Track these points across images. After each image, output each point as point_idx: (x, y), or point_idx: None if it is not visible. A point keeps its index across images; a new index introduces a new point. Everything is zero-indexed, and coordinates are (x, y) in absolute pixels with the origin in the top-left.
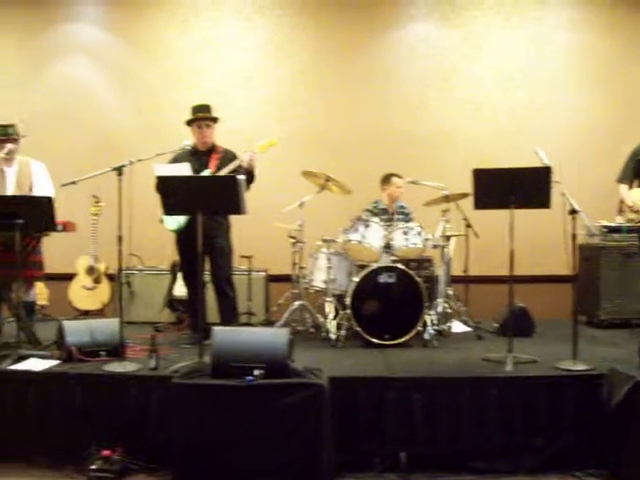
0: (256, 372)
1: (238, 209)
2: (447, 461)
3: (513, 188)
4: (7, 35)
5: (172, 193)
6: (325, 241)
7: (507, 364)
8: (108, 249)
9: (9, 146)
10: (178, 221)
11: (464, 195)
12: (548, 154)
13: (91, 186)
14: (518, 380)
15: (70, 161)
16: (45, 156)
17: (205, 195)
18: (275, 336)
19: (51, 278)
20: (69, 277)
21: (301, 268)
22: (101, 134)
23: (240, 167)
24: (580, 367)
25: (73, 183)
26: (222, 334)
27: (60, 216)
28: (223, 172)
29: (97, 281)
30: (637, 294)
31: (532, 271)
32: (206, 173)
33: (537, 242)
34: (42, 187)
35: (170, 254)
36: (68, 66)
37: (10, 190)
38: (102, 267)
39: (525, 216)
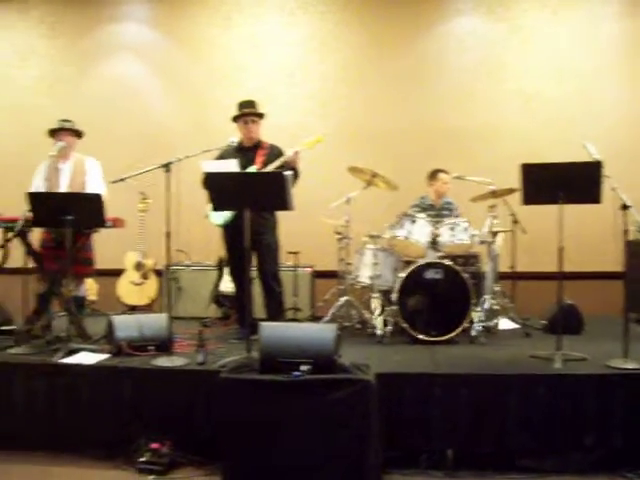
0: (303, 367)
1: (285, 205)
2: (494, 459)
3: (562, 183)
4: (57, 36)
5: (220, 189)
6: (371, 237)
7: (556, 361)
8: (155, 245)
9: (60, 143)
10: (224, 216)
11: (511, 190)
12: (597, 147)
13: (138, 183)
14: (567, 378)
15: (118, 159)
16: (93, 153)
17: (252, 191)
18: (322, 332)
19: (100, 274)
20: (118, 273)
21: (347, 264)
22: (148, 132)
23: (286, 163)
24: (631, 365)
25: (122, 180)
26: (270, 329)
27: (109, 212)
28: (269, 169)
29: (145, 277)
30: None
31: (581, 267)
32: (252, 169)
33: (586, 238)
34: (95, 185)
35: (216, 250)
36: (115, 65)
37: (63, 187)
38: (150, 263)
39: (574, 211)
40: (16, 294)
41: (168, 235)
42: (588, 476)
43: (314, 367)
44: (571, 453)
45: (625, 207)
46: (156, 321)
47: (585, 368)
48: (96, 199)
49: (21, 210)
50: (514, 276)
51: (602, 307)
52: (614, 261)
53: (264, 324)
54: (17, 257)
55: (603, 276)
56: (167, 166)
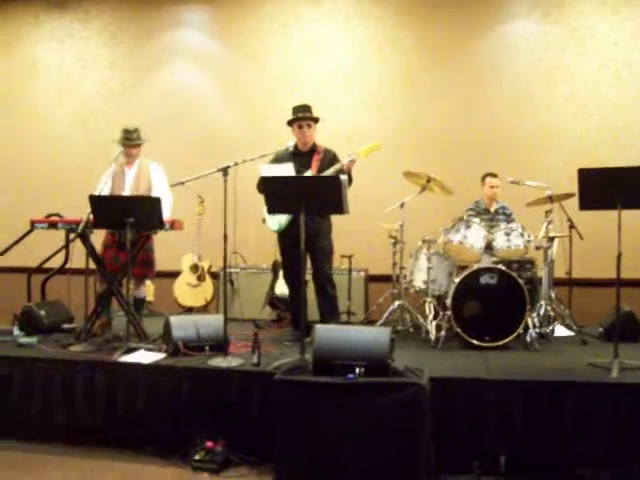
0: (357, 370)
1: (341, 209)
2: (550, 467)
3: (621, 188)
4: (118, 44)
5: (276, 193)
6: (426, 241)
7: (613, 370)
8: (212, 247)
9: (118, 151)
10: (279, 222)
11: (568, 195)
12: None
13: (196, 186)
14: (625, 387)
15: (177, 162)
16: (153, 158)
17: (308, 195)
18: (377, 335)
19: (157, 275)
20: (174, 274)
21: (401, 268)
22: (206, 136)
23: (341, 170)
24: None
25: (181, 184)
26: (324, 332)
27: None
28: (325, 175)
29: (201, 278)
30: None
31: (639, 274)
32: (307, 174)
33: None
34: (160, 190)
35: (271, 253)
36: (174, 72)
37: (127, 190)
38: (206, 265)
39: (632, 217)
40: (78, 294)
41: (225, 238)
42: None
43: (368, 370)
44: (630, 463)
45: None
46: (212, 322)
47: None
48: (155, 202)
49: (84, 212)
50: (570, 282)
51: None
52: None
53: (318, 326)
54: (79, 258)
55: None
56: (225, 170)
